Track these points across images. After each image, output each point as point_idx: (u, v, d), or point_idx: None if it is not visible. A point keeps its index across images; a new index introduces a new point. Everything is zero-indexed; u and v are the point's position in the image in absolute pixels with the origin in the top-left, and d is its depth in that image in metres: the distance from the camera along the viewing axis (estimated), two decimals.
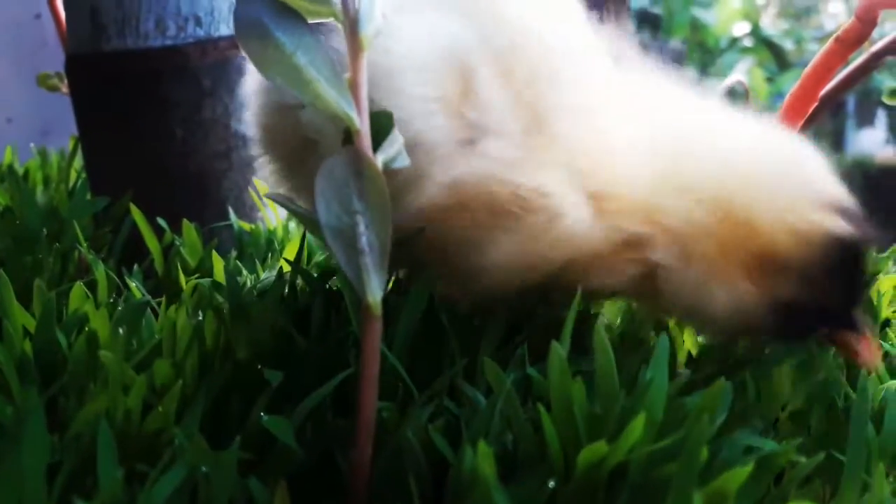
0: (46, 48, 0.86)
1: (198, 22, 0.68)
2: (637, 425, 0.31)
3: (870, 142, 6.96)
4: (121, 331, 0.42)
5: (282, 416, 0.38)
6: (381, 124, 0.35)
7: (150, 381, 0.41)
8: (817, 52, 0.49)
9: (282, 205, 0.37)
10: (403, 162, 0.36)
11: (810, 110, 0.45)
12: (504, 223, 0.41)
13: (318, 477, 0.40)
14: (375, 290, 0.33)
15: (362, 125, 0.34)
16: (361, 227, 0.33)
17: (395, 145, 0.35)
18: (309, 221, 0.35)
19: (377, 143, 0.35)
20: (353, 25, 0.34)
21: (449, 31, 0.41)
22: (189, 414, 0.40)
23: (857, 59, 0.88)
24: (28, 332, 0.45)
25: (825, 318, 0.44)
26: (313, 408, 0.40)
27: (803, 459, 0.35)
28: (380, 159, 0.34)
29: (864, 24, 0.41)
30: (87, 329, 0.45)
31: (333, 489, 0.40)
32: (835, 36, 0.43)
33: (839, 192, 0.45)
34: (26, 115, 1.40)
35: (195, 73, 0.67)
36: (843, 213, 0.43)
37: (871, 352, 0.44)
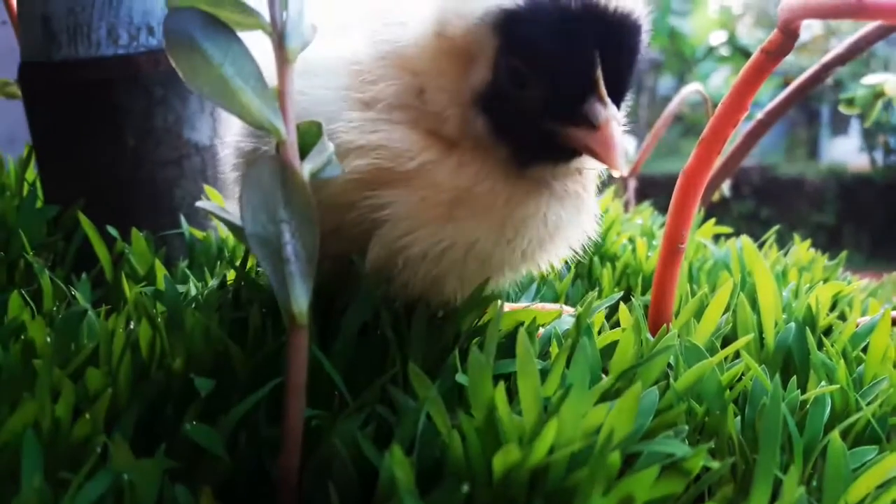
0: (13, 55, 0.85)
1: (150, 31, 0.68)
2: (549, 432, 0.31)
3: (844, 150, 7.07)
4: (49, 339, 0.42)
5: (210, 426, 0.39)
6: (309, 134, 0.36)
7: (83, 389, 0.42)
8: (792, 62, 0.50)
9: (210, 213, 0.37)
10: (333, 172, 0.36)
11: (740, 119, 0.46)
12: None
13: (251, 485, 0.40)
14: (300, 300, 0.33)
15: (289, 135, 0.34)
16: (287, 237, 0.33)
17: (323, 154, 0.36)
18: (237, 230, 0.35)
19: (304, 152, 0.35)
20: (280, 38, 0.34)
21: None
22: (119, 423, 0.40)
23: (808, 71, 0.90)
24: None
25: (546, 111, 0.41)
26: (246, 416, 0.40)
27: (716, 464, 0.36)
28: (306, 169, 0.35)
29: (786, 36, 0.42)
30: (23, 337, 0.45)
31: (265, 497, 0.40)
32: (760, 47, 0.44)
33: None
34: None
35: (147, 82, 0.68)
36: None
37: (605, 146, 0.40)
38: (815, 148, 7.56)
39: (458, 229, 0.44)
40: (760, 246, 0.85)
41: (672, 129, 1.51)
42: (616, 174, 0.43)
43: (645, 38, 0.42)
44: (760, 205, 6.19)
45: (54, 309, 0.54)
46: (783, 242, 0.90)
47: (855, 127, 6.77)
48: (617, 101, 0.41)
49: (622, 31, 0.40)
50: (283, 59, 0.36)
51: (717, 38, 7.68)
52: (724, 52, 7.66)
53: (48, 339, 0.44)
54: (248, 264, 0.55)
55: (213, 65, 0.35)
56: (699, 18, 7.41)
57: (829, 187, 6.35)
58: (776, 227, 0.87)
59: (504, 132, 0.43)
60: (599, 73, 0.40)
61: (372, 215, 0.44)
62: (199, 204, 0.41)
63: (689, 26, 7.38)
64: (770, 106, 0.89)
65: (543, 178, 0.45)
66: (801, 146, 7.58)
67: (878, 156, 6.32)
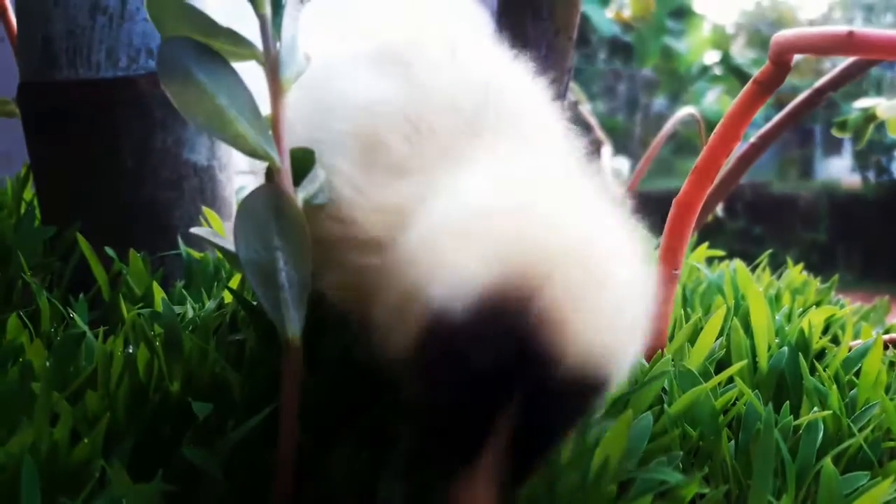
0: (10, 73, 0.86)
1: (149, 53, 0.69)
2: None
3: (837, 169, 7.11)
4: (48, 363, 0.42)
5: (208, 448, 0.39)
6: (303, 162, 0.36)
7: (81, 411, 0.42)
8: (786, 82, 0.49)
9: (204, 239, 0.38)
10: (325, 199, 0.37)
11: (733, 148, 0.47)
12: None
13: None
14: (294, 325, 0.34)
15: (283, 163, 0.35)
16: (280, 263, 0.34)
17: (315, 182, 0.36)
18: (231, 256, 0.36)
19: (298, 180, 0.36)
20: (273, 68, 0.35)
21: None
22: (118, 446, 0.40)
23: (801, 96, 0.91)
24: None
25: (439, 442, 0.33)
26: (244, 440, 0.41)
27: (707, 490, 0.36)
28: (300, 196, 0.35)
29: (779, 68, 0.43)
30: (21, 359, 0.45)
31: None
32: (753, 79, 0.44)
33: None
34: None
35: (147, 104, 0.68)
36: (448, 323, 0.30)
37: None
38: (809, 167, 7.60)
39: None
40: (754, 268, 0.85)
41: (666, 146, 1.52)
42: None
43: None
44: (753, 223, 6.21)
45: (52, 330, 0.54)
46: (776, 260, 0.91)
47: (848, 147, 6.81)
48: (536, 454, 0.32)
49: (563, 395, 0.31)
50: (278, 88, 0.36)
51: (711, 57, 7.74)
52: (718, 71, 7.72)
53: (47, 363, 0.45)
54: (246, 286, 0.55)
55: (208, 95, 0.35)
56: (693, 38, 7.47)
57: (822, 205, 6.38)
58: (769, 251, 0.87)
59: None
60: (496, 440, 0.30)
61: None
62: (193, 230, 0.41)
63: (683, 45, 7.44)
64: (763, 130, 0.89)
65: None
66: (794, 165, 7.62)
67: (871, 175, 6.36)
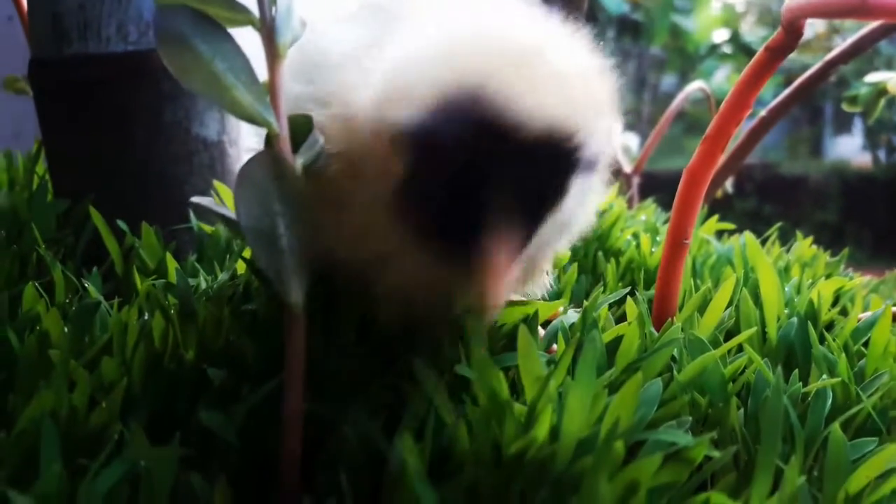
0: (19, 50, 0.86)
1: None
2: (544, 419, 0.32)
3: (847, 148, 7.06)
4: (66, 329, 0.43)
5: (223, 413, 0.40)
6: (300, 127, 0.36)
7: (98, 378, 0.42)
8: (795, 60, 0.50)
9: (206, 209, 0.38)
10: (322, 162, 0.37)
11: (743, 117, 0.47)
12: None
13: (261, 472, 0.41)
14: (296, 290, 0.34)
15: (281, 129, 0.35)
16: (281, 229, 0.34)
17: (314, 147, 0.36)
18: (232, 224, 0.36)
19: (297, 145, 0.36)
20: (270, 33, 0.35)
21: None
22: (134, 411, 0.41)
23: (811, 69, 0.91)
24: None
25: (448, 233, 0.37)
26: (259, 407, 0.41)
27: (717, 454, 0.36)
28: (299, 162, 0.35)
29: (790, 35, 0.42)
30: (38, 328, 0.46)
31: (275, 483, 0.41)
32: (764, 45, 0.44)
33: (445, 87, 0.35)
34: None
35: (156, 78, 0.68)
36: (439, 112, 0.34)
37: (494, 287, 0.35)
38: (819, 146, 7.55)
39: None
40: (763, 242, 0.85)
41: (675, 125, 1.52)
42: (491, 305, 0.37)
43: (582, 160, 0.37)
44: (763, 202, 6.18)
45: (66, 301, 0.55)
46: (786, 239, 0.91)
47: (858, 125, 6.76)
48: (537, 216, 0.38)
49: (540, 159, 0.35)
50: (274, 54, 0.36)
51: (720, 35, 7.67)
52: (727, 49, 7.65)
53: (63, 331, 0.45)
54: None
55: (204, 61, 0.35)
56: (702, 16, 7.40)
57: (832, 185, 6.34)
58: (778, 224, 0.87)
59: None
60: (495, 213, 0.35)
61: None
62: (194, 199, 0.41)
63: (692, 24, 7.38)
64: (773, 104, 0.89)
65: None
66: (804, 144, 7.57)
67: (882, 154, 6.31)
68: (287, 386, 0.35)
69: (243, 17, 0.36)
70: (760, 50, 0.45)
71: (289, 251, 0.34)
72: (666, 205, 0.85)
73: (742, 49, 7.42)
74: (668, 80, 7.52)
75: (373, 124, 0.37)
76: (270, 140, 0.35)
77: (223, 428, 0.39)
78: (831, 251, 0.90)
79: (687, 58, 7.49)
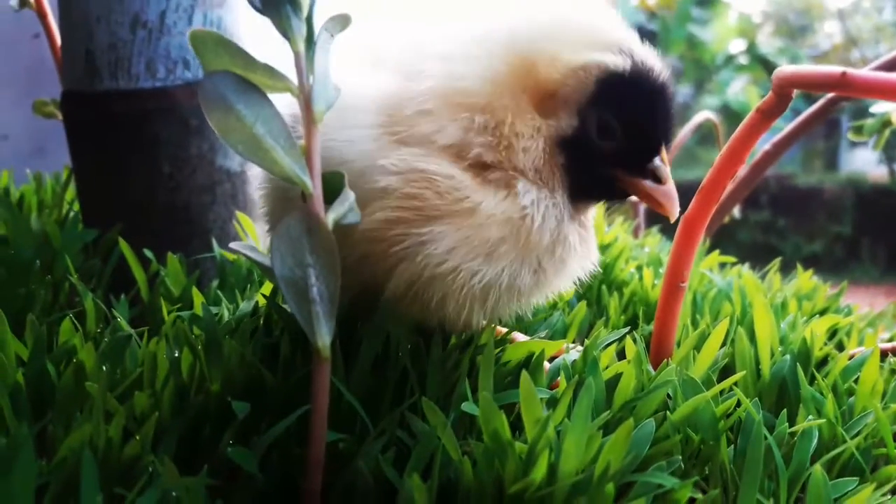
0: (43, 67, 0.90)
1: (186, 65, 0.73)
2: (542, 461, 0.35)
3: (863, 161, 7.04)
4: (104, 367, 0.46)
5: (246, 447, 0.43)
6: (334, 185, 0.40)
7: (130, 410, 0.46)
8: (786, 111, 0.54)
9: (243, 254, 0.41)
10: (354, 218, 0.40)
11: (737, 171, 0.50)
12: None
13: (283, 497, 0.44)
14: (324, 336, 0.37)
15: (315, 189, 0.38)
16: (312, 279, 0.37)
17: (345, 203, 0.40)
18: (267, 270, 0.39)
19: (329, 202, 0.39)
20: (307, 100, 0.38)
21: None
22: (164, 442, 0.44)
23: (816, 104, 0.93)
24: (21, 361, 0.49)
25: (618, 161, 0.49)
26: (278, 438, 0.44)
27: (700, 496, 0.39)
28: (331, 218, 0.38)
29: (780, 98, 0.45)
30: (74, 360, 0.49)
31: None
32: (756, 107, 0.47)
33: (619, 36, 0.48)
34: (22, 133, 1.44)
35: (183, 113, 0.72)
36: (620, 51, 0.47)
37: (669, 198, 0.48)
38: (834, 158, 7.53)
39: (500, 264, 0.46)
40: (765, 274, 0.88)
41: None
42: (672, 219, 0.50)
43: None
44: (777, 214, 6.18)
45: (98, 330, 0.58)
46: (799, 253, 0.93)
47: (874, 138, 6.72)
48: (669, 142, 0.51)
49: (672, 100, 0.50)
50: (310, 120, 0.39)
51: (737, 46, 7.66)
52: (743, 60, 7.63)
53: (99, 364, 0.48)
54: (278, 293, 0.59)
55: (246, 124, 0.38)
56: (718, 27, 7.40)
57: (847, 198, 6.32)
58: (778, 259, 0.90)
59: (573, 172, 0.49)
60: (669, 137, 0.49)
61: (401, 248, 0.46)
62: (232, 245, 0.44)
63: (709, 34, 7.38)
64: (776, 138, 0.92)
65: (578, 212, 0.50)
66: (819, 156, 7.55)
67: None
68: (313, 426, 0.38)
69: (283, 84, 0.39)
70: (753, 111, 0.47)
71: (319, 300, 0.37)
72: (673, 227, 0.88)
73: (758, 60, 7.41)
74: (683, 91, 7.53)
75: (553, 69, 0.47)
76: (304, 197, 0.38)
77: (247, 461, 0.42)
78: (846, 265, 0.93)
79: (703, 68, 7.49)
